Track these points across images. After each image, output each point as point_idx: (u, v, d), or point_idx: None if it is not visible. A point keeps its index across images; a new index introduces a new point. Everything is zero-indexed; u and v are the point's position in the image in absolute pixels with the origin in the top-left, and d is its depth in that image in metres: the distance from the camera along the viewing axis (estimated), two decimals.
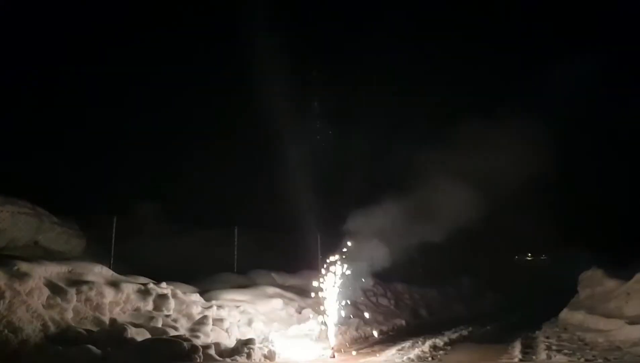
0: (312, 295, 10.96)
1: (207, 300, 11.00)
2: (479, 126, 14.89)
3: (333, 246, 10.43)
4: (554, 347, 9.53)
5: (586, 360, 8.08)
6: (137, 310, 9.12)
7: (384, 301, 16.14)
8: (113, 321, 8.30)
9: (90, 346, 6.95)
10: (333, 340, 10.06)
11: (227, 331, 9.57)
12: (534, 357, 8.95)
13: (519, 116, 14.97)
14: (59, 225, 12.10)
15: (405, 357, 9.10)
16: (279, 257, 16.47)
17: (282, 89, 16.60)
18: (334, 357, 9.51)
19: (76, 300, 8.17)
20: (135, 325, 8.24)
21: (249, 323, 10.47)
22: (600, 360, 7.94)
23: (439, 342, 10.91)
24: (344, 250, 10.53)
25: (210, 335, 9.04)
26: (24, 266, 7.84)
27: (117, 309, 8.82)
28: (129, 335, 7.68)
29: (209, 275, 13.40)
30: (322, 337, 10.73)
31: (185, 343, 7.24)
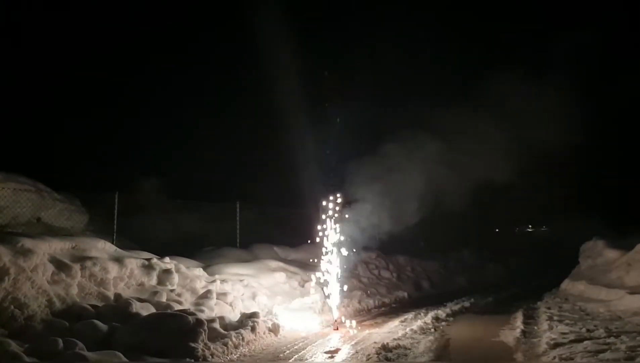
0: (314, 261, 10.92)
1: (211, 274, 11.06)
2: (483, 95, 14.60)
3: (334, 217, 10.42)
4: (555, 318, 9.60)
5: (587, 330, 8.13)
6: (141, 285, 9.18)
7: (386, 273, 16.24)
8: (118, 296, 8.36)
9: (96, 321, 7.00)
10: (336, 313, 10.15)
11: (231, 305, 9.64)
12: (535, 327, 9.04)
13: (526, 85, 14.71)
14: (61, 202, 12.14)
15: (408, 329, 9.19)
16: (281, 231, 16.53)
17: (283, 61, 16.39)
18: (337, 329, 9.61)
19: (80, 276, 8.22)
20: (140, 300, 8.30)
21: (253, 297, 10.54)
22: (601, 330, 7.99)
23: (441, 313, 11.01)
24: (344, 215, 10.52)
25: (214, 309, 9.10)
26: (27, 243, 7.86)
27: (122, 284, 8.88)
28: (134, 310, 7.73)
29: (211, 249, 13.47)
30: (325, 309, 10.83)
31: (190, 317, 7.27)
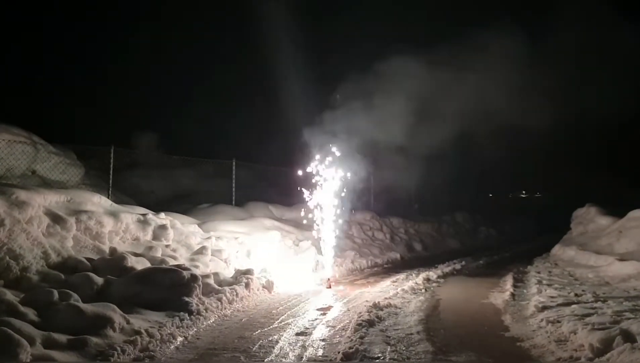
0: (308, 220, 11.00)
1: (206, 231, 11.14)
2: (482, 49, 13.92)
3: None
4: (544, 282, 9.74)
5: (575, 294, 8.26)
6: (136, 239, 9.24)
7: (379, 235, 16.40)
8: (113, 250, 8.42)
9: (91, 274, 7.04)
10: (329, 272, 10.28)
11: (225, 261, 9.74)
12: (525, 291, 9.18)
13: (526, 51, 14.25)
14: (56, 155, 12.06)
15: (399, 289, 9.33)
16: (277, 190, 16.57)
17: (277, 21, 16.07)
18: (330, 287, 9.75)
19: (76, 229, 8.25)
20: (135, 254, 8.35)
21: (248, 254, 10.64)
22: (589, 295, 8.12)
23: (432, 274, 11.14)
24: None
25: (209, 265, 9.21)
26: (22, 195, 7.85)
27: (117, 238, 8.94)
28: (129, 264, 7.79)
29: (207, 207, 13.51)
30: (318, 268, 10.97)
31: (184, 272, 7.34)
